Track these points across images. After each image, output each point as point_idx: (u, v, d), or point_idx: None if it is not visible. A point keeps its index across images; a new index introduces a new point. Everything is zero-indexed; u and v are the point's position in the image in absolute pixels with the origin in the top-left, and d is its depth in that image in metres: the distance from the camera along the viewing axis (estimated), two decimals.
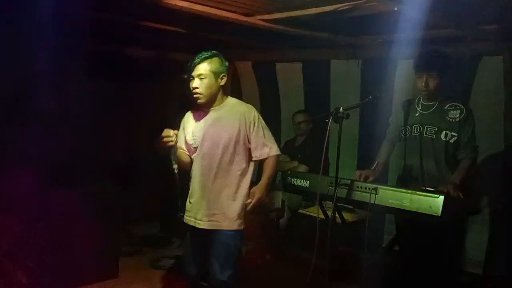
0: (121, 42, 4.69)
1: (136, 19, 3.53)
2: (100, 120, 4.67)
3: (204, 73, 2.46)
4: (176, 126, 2.65)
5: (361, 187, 2.65)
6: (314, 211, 2.86)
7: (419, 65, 2.89)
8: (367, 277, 2.66)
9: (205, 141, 2.55)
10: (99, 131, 4.68)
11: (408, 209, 2.45)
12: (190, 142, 2.61)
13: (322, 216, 3.09)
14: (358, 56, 4.30)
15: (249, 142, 2.58)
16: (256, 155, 2.59)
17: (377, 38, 3.89)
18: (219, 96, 2.56)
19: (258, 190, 2.54)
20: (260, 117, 2.62)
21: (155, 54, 4.97)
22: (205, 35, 4.00)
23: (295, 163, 4.08)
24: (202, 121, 2.58)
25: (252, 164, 2.63)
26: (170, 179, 2.59)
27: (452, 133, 2.85)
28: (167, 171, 2.56)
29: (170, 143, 2.42)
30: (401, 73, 3.89)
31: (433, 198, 2.37)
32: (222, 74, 2.52)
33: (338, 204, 2.83)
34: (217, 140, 2.52)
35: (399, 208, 2.50)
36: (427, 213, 2.37)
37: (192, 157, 2.62)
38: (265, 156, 2.59)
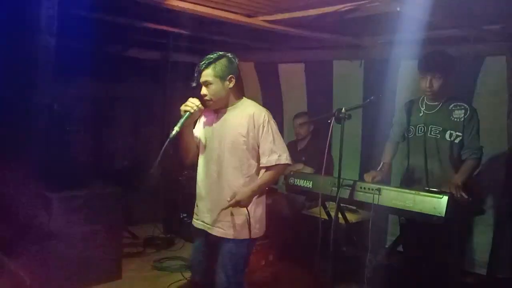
0: (125, 43, 4.70)
1: (140, 21, 3.54)
2: (104, 121, 4.69)
3: (209, 80, 2.33)
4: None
5: (364, 188, 2.65)
6: (317, 212, 2.85)
7: (424, 65, 2.89)
8: (371, 278, 2.65)
9: (211, 142, 2.44)
10: (102, 132, 4.71)
11: (412, 210, 2.45)
12: (198, 139, 2.51)
13: (325, 216, 3.09)
14: (360, 56, 4.30)
15: (258, 147, 2.39)
16: (263, 161, 2.37)
17: (380, 39, 3.89)
18: (231, 97, 2.42)
19: (241, 193, 2.32)
20: (272, 121, 2.40)
21: (159, 55, 4.98)
22: (208, 36, 4.01)
23: (300, 166, 4.06)
24: (211, 121, 2.47)
25: (263, 172, 2.42)
26: (173, 181, 2.56)
27: (457, 133, 2.85)
28: (171, 174, 2.55)
29: (189, 109, 2.28)
30: (404, 73, 3.89)
31: (436, 198, 2.37)
32: (230, 76, 2.35)
33: (341, 204, 2.83)
34: (223, 142, 2.39)
35: (402, 209, 2.49)
36: (431, 213, 2.37)
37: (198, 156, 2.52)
38: (273, 163, 2.36)
